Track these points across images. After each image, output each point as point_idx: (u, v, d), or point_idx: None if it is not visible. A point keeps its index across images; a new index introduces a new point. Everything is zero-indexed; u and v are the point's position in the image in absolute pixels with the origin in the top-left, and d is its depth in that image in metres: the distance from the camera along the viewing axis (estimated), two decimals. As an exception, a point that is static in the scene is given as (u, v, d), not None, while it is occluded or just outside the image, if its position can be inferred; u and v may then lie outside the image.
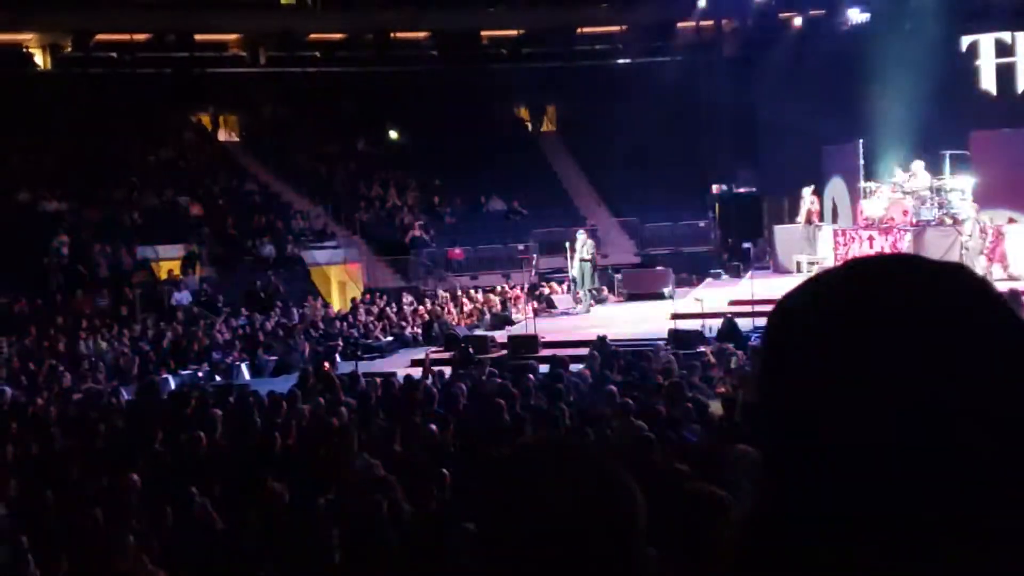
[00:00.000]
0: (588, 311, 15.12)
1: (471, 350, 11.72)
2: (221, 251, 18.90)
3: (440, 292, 18.31)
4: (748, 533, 0.68)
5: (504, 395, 7.44)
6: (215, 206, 20.34)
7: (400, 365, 12.28)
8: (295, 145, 22.98)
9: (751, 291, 12.18)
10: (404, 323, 16.28)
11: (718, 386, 8.27)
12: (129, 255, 18.00)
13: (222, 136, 24.43)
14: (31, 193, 19.31)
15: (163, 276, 17.86)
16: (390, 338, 15.19)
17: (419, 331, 15.57)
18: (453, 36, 25.78)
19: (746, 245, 19.01)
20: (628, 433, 5.95)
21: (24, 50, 24.32)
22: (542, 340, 12.24)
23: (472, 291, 18.05)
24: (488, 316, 16.10)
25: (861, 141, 15.74)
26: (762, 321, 11.15)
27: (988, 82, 16.64)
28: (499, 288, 18.10)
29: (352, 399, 8.22)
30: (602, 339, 10.90)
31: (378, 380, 9.20)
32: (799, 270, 15.31)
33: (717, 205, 20.61)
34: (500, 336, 13.16)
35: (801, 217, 15.81)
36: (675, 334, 11.35)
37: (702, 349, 10.36)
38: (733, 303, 12.97)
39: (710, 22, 21.91)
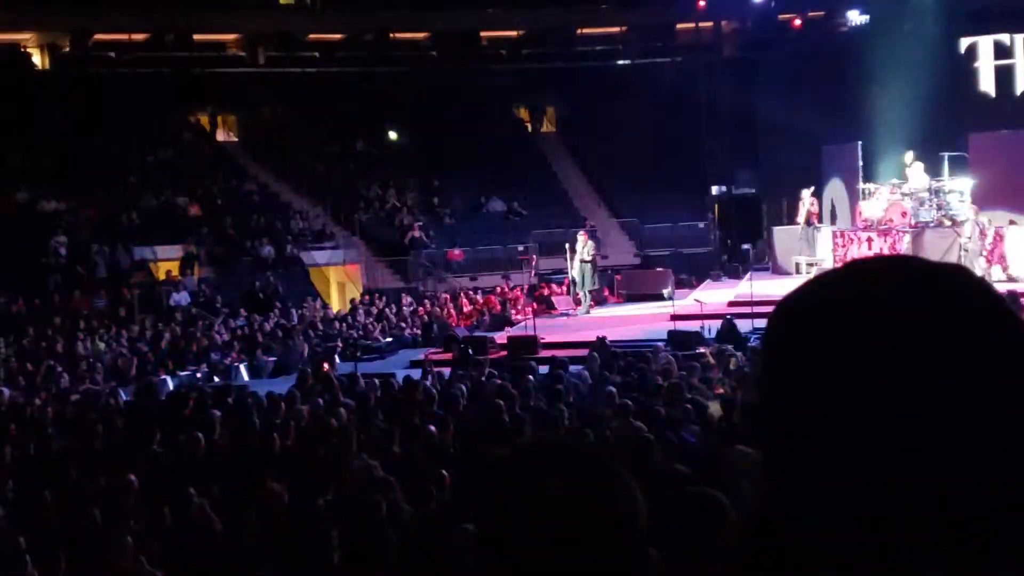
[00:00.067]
0: (588, 312, 15.13)
1: (470, 351, 11.72)
2: (220, 252, 18.89)
3: (439, 293, 18.31)
4: (748, 533, 0.68)
5: (503, 396, 7.44)
6: (214, 206, 20.33)
7: (399, 366, 12.28)
8: (294, 145, 22.98)
9: (750, 292, 12.19)
10: (403, 324, 16.28)
11: (717, 387, 8.27)
12: (127, 255, 17.99)
13: (221, 136, 24.42)
14: (29, 193, 19.30)
15: (161, 277, 17.85)
16: (389, 339, 15.19)
17: (418, 332, 15.57)
18: (453, 36, 25.79)
19: (745, 246, 19.03)
20: (627, 434, 5.95)
21: (22, 50, 24.32)
22: (541, 341, 12.24)
23: (471, 292, 18.06)
24: (487, 317, 16.11)
25: (860, 143, 15.76)
26: (761, 322, 11.19)
27: (987, 84, 16.66)
28: (498, 289, 18.10)
29: (351, 400, 8.22)
30: (601, 340, 10.91)
31: (377, 381, 9.20)
32: (798, 271, 15.32)
33: (716, 206, 20.62)
34: (500, 337, 13.16)
35: (801, 218, 15.82)
36: (674, 335, 11.36)
37: (701, 350, 10.37)
38: (732, 304, 12.98)
39: (710, 23, 21.91)
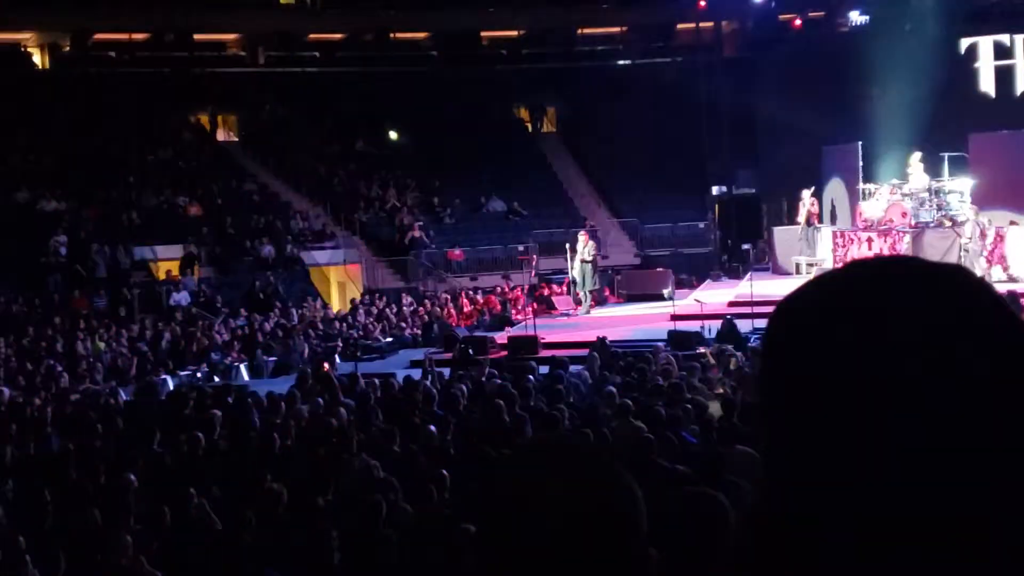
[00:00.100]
0: (588, 312, 15.13)
1: (471, 351, 11.72)
2: (220, 251, 18.89)
3: (440, 293, 18.31)
4: (748, 533, 0.68)
5: (504, 396, 7.44)
6: (214, 206, 20.33)
7: (399, 366, 12.28)
8: (294, 145, 22.97)
9: (750, 292, 12.19)
10: (403, 324, 16.28)
11: (717, 387, 8.27)
12: (127, 255, 17.99)
13: (221, 136, 24.41)
14: (29, 192, 19.30)
15: (161, 276, 17.85)
16: (389, 339, 15.19)
17: (418, 332, 15.57)
18: (453, 36, 25.79)
19: (745, 246, 19.03)
20: (627, 434, 5.95)
21: (22, 49, 24.32)
22: (542, 341, 12.25)
23: (471, 292, 18.06)
24: (487, 317, 16.11)
25: (860, 143, 15.76)
26: (762, 323, 11.19)
27: (987, 84, 16.67)
28: (498, 289, 18.10)
29: (351, 400, 8.22)
30: (602, 340, 10.91)
31: (377, 381, 9.20)
32: (798, 271, 15.32)
33: (717, 206, 20.62)
34: (500, 337, 13.16)
35: (801, 219, 15.83)
36: (674, 335, 11.36)
37: (701, 350, 10.37)
38: (732, 304, 12.98)
39: (710, 23, 21.91)
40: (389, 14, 24.96)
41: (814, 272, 14.79)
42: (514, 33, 26.93)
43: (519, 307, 16.54)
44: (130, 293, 16.85)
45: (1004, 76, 16.52)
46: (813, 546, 0.62)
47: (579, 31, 26.86)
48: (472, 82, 24.30)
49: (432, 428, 6.67)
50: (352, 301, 17.96)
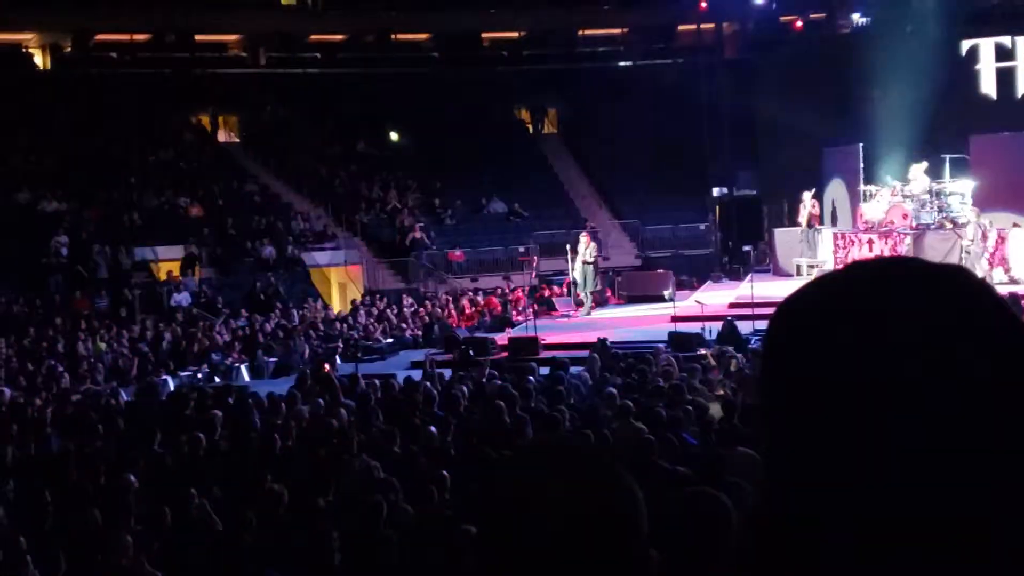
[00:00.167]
0: (588, 313, 15.13)
1: (471, 352, 11.72)
2: (221, 252, 18.90)
3: (440, 294, 18.31)
4: (749, 534, 0.68)
5: (504, 397, 7.44)
6: (215, 207, 20.34)
7: (400, 367, 12.27)
8: (295, 146, 22.98)
9: (751, 294, 12.19)
10: (404, 325, 16.28)
11: (718, 389, 8.26)
12: (128, 256, 17.99)
13: (222, 137, 24.43)
14: (31, 193, 19.32)
15: (162, 277, 17.86)
16: (390, 340, 15.18)
17: (419, 333, 15.56)
18: (454, 37, 25.81)
19: (746, 248, 19.03)
20: (628, 435, 5.95)
21: (24, 50, 24.34)
22: (542, 342, 12.24)
23: (471, 292, 18.06)
24: (488, 318, 16.10)
25: (861, 144, 15.75)
26: (762, 324, 11.14)
27: (988, 86, 16.66)
28: (499, 290, 18.10)
29: (352, 401, 8.22)
30: (602, 341, 10.91)
31: (377, 382, 9.19)
32: (799, 273, 15.32)
33: (717, 207, 20.62)
34: (500, 338, 13.16)
35: (802, 220, 15.83)
36: (675, 337, 11.35)
37: (702, 352, 10.36)
38: (733, 306, 12.97)
39: (711, 24, 21.91)
40: (390, 15, 24.97)
41: (815, 273, 14.83)
42: (515, 34, 26.94)
43: (520, 308, 16.53)
44: (131, 294, 16.86)
45: (1005, 78, 16.51)
46: (814, 547, 0.62)
47: (580, 32, 26.88)
48: (473, 83, 24.30)
49: (432, 429, 6.67)
50: (353, 302, 17.96)
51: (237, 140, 24.30)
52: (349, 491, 5.49)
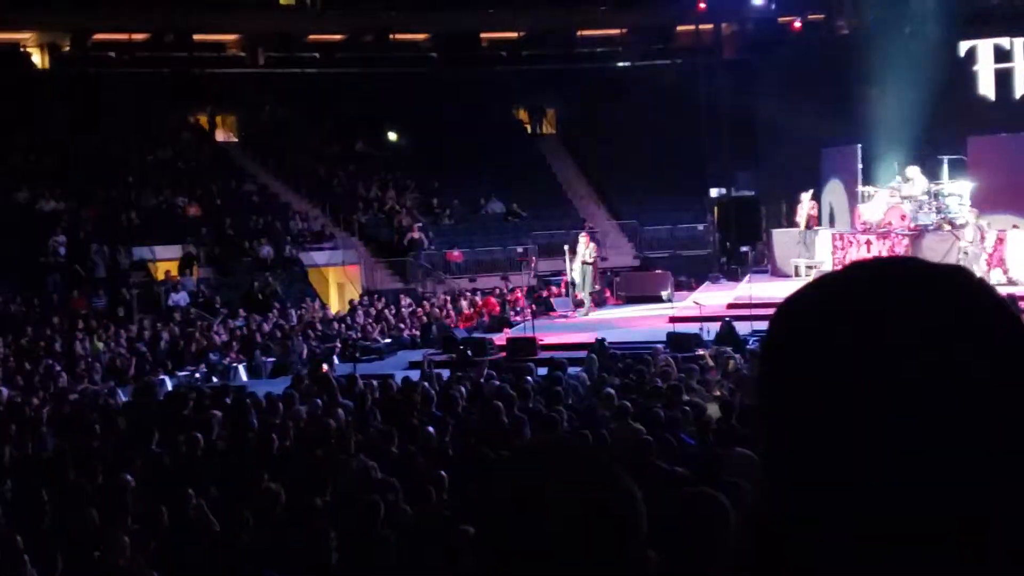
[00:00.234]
0: (587, 314, 15.13)
1: (469, 352, 11.72)
2: (219, 252, 18.88)
3: (439, 294, 18.30)
4: (748, 534, 0.67)
5: (502, 397, 7.44)
6: (213, 207, 20.32)
7: (398, 367, 12.27)
8: (294, 146, 22.97)
9: (749, 294, 12.19)
10: (402, 325, 16.27)
11: (716, 389, 8.27)
12: (126, 255, 17.97)
13: (220, 136, 24.41)
14: (29, 192, 19.29)
15: (160, 277, 17.84)
16: (388, 340, 15.18)
17: (417, 333, 15.56)
18: (453, 37, 25.80)
19: (744, 248, 19.04)
20: (626, 436, 5.95)
21: (22, 49, 24.30)
22: (540, 343, 12.24)
23: (468, 293, 18.06)
24: (486, 318, 16.10)
25: (859, 145, 15.77)
26: (760, 325, 11.20)
27: (986, 87, 16.68)
28: (497, 290, 18.10)
29: (350, 401, 8.21)
30: (600, 342, 10.91)
31: (375, 382, 9.19)
32: (797, 274, 15.34)
33: (716, 208, 20.63)
34: (499, 338, 13.16)
35: (800, 221, 15.85)
36: (673, 337, 11.36)
37: (700, 352, 10.37)
38: (731, 306, 12.98)
39: (710, 25, 21.93)
40: (389, 15, 24.96)
41: (813, 274, 14.84)
42: (514, 34, 26.94)
43: (517, 309, 16.53)
44: (129, 293, 16.84)
45: (1003, 79, 16.53)
46: (812, 547, 0.62)
47: (579, 33, 26.88)
48: (472, 83, 24.30)
49: (430, 429, 6.67)
50: (351, 302, 17.95)
51: (235, 140, 24.28)
52: (346, 491, 5.49)
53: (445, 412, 7.60)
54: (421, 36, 26.61)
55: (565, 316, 15.40)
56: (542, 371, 9.75)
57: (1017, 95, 16.50)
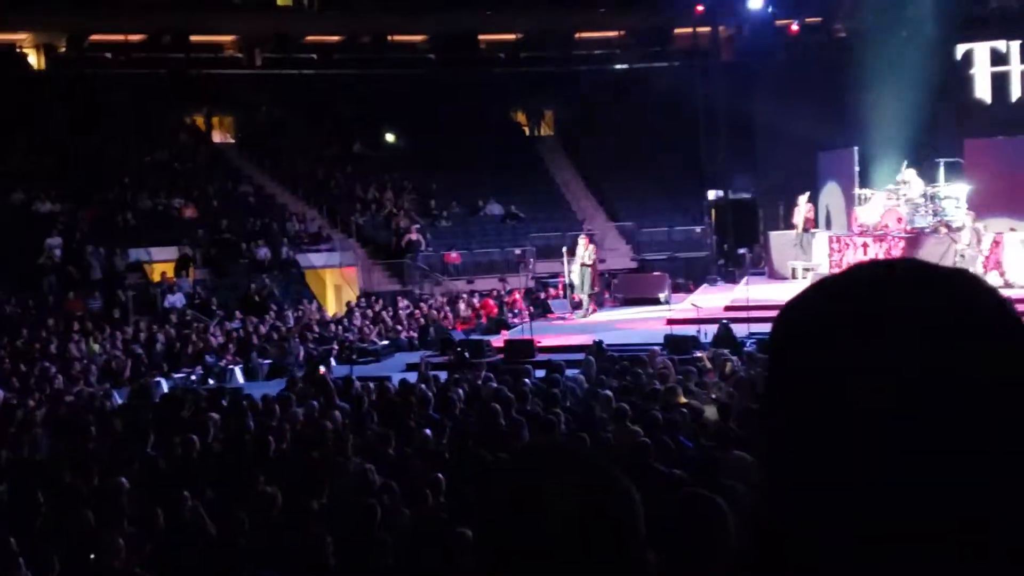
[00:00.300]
0: (585, 316, 15.14)
1: (467, 354, 11.71)
2: (215, 253, 18.85)
3: (436, 296, 18.30)
4: (748, 535, 0.67)
5: (500, 399, 7.43)
6: (209, 208, 20.30)
7: (395, 369, 12.25)
8: (291, 147, 22.96)
9: (747, 297, 12.21)
10: (399, 327, 16.26)
11: (713, 391, 8.27)
12: (122, 257, 17.94)
13: (217, 138, 24.39)
14: (25, 194, 19.26)
15: (156, 278, 17.80)
16: (385, 342, 15.16)
17: (415, 335, 15.55)
18: (451, 39, 25.82)
19: (742, 251, 19.07)
20: (624, 438, 5.94)
21: (18, 50, 24.27)
22: (538, 345, 12.24)
23: (467, 295, 18.06)
24: (484, 320, 16.10)
25: (856, 148, 15.81)
26: (758, 327, 11.22)
27: (983, 90, 16.74)
28: (495, 292, 18.11)
29: (346, 403, 8.20)
30: (598, 344, 10.92)
31: (372, 384, 9.18)
32: (794, 276, 15.38)
33: (713, 210, 20.67)
34: (496, 340, 13.16)
35: (798, 224, 15.88)
36: (671, 339, 11.37)
37: (698, 354, 10.37)
38: (729, 309, 12.99)
39: (707, 28, 21.97)
40: (387, 16, 24.98)
41: (810, 277, 14.88)
42: (512, 36, 26.97)
43: (515, 311, 16.53)
44: (125, 295, 16.80)
45: (1000, 82, 16.61)
46: (812, 547, 0.62)
47: (577, 35, 26.92)
48: (470, 85, 24.32)
49: (428, 432, 6.66)
50: (348, 304, 17.93)
51: (232, 141, 24.26)
52: (343, 494, 5.47)
53: (442, 414, 7.59)
54: (419, 37, 26.62)
55: (563, 318, 15.41)
56: (540, 373, 9.75)
57: (1013, 98, 16.57)
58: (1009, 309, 0.63)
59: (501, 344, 12.71)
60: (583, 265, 15.07)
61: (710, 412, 6.99)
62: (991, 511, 0.59)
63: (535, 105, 26.06)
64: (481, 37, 26.76)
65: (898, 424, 0.59)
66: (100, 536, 4.73)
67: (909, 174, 14.26)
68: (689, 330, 11.93)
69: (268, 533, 4.83)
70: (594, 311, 15.40)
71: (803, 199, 15.97)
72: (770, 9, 20.39)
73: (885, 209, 14.19)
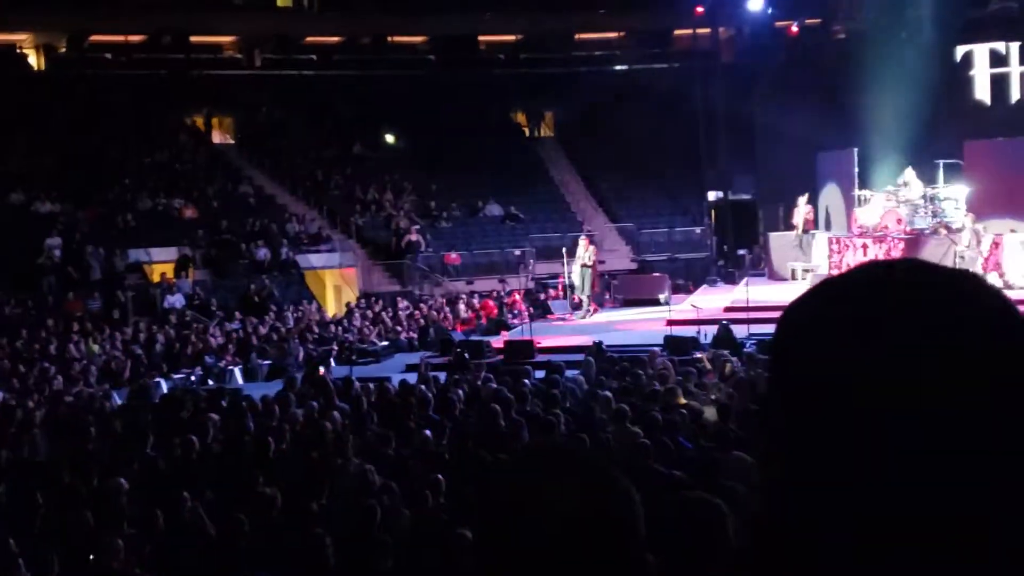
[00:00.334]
0: (584, 317, 15.14)
1: (467, 355, 11.71)
2: (215, 254, 18.85)
3: (436, 297, 18.30)
4: (749, 536, 0.67)
5: (500, 400, 7.43)
6: (209, 209, 20.30)
7: (395, 370, 12.25)
8: (291, 148, 22.96)
9: (746, 298, 12.21)
10: (399, 328, 16.26)
11: (713, 392, 8.27)
12: (122, 257, 17.94)
13: (217, 138, 24.39)
14: (24, 194, 19.26)
15: (156, 279, 17.80)
16: (385, 343, 15.16)
17: (414, 336, 15.55)
18: (451, 40, 25.83)
19: (742, 252, 19.07)
20: (623, 439, 5.94)
21: (18, 51, 24.27)
22: (538, 346, 12.24)
23: (466, 296, 18.06)
24: (484, 321, 16.11)
25: (856, 149, 15.82)
26: (757, 328, 11.22)
27: (982, 92, 16.75)
28: (495, 293, 18.11)
29: (346, 404, 8.20)
30: (598, 345, 10.92)
31: (372, 385, 9.17)
32: (794, 277, 15.38)
33: (713, 211, 20.67)
34: (496, 341, 13.15)
35: (798, 225, 15.89)
36: (670, 340, 11.36)
37: (697, 355, 10.37)
38: (728, 310, 12.99)
39: (707, 29, 21.99)
40: (387, 17, 24.99)
41: (810, 278, 14.90)
42: (512, 37, 26.98)
43: (515, 311, 16.54)
44: (124, 296, 16.80)
45: (999, 84, 16.61)
46: (812, 548, 0.62)
47: (577, 36, 26.94)
48: (470, 86, 24.33)
49: (427, 432, 6.66)
50: (348, 305, 17.93)
51: (232, 141, 24.26)
52: (343, 495, 5.47)
53: (442, 415, 7.59)
54: (419, 39, 26.63)
55: (563, 319, 15.41)
56: (540, 374, 9.74)
57: (1013, 100, 16.57)
58: (1012, 310, 0.63)
59: (501, 345, 12.71)
60: (584, 266, 15.07)
61: (710, 413, 6.99)
62: (991, 511, 0.59)
63: (535, 106, 26.07)
64: (481, 38, 26.77)
65: (898, 424, 0.59)
66: (99, 537, 4.72)
67: (909, 175, 14.27)
68: (689, 331, 11.92)
69: (268, 534, 4.82)
70: (596, 312, 15.40)
71: (803, 200, 15.98)
72: (770, 10, 20.41)
73: (885, 210, 14.19)
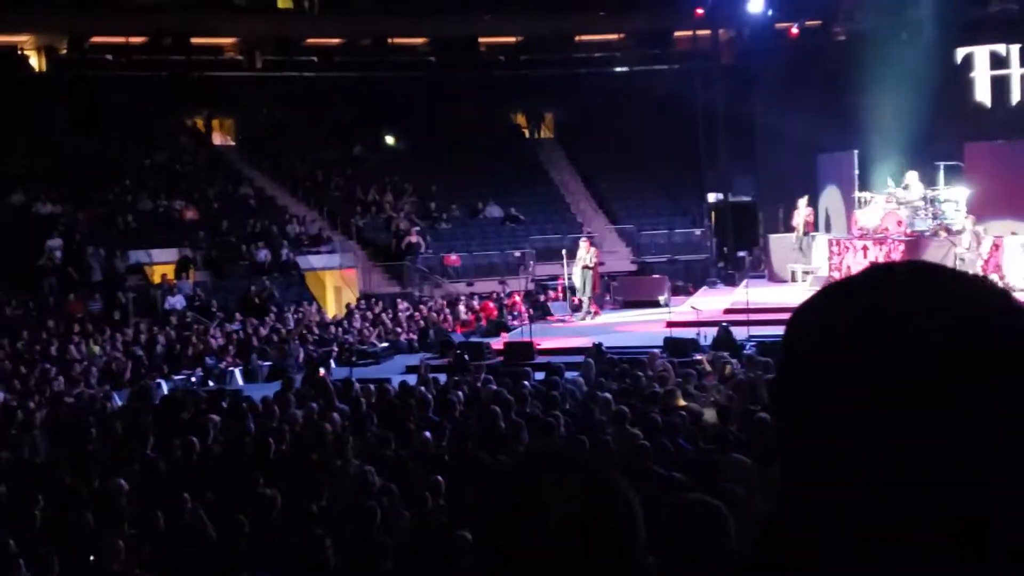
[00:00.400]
0: (584, 319, 15.14)
1: (467, 357, 11.70)
2: (215, 255, 18.85)
3: (436, 298, 18.30)
4: (751, 537, 0.67)
5: (499, 402, 7.43)
6: (210, 210, 20.30)
7: (395, 371, 12.25)
8: (291, 149, 22.97)
9: (746, 300, 12.21)
10: (399, 329, 16.26)
11: (713, 394, 8.27)
12: (123, 259, 17.94)
13: (217, 140, 24.39)
14: (25, 195, 19.26)
15: (156, 280, 17.80)
16: (385, 344, 15.16)
17: (414, 337, 15.54)
18: (451, 42, 25.84)
19: (741, 254, 19.07)
20: (623, 441, 5.94)
21: (19, 52, 24.29)
22: (537, 347, 12.23)
23: (466, 297, 18.06)
24: (484, 322, 16.10)
25: (856, 151, 15.82)
26: (757, 330, 11.21)
27: (983, 94, 16.74)
28: (495, 295, 18.11)
29: (346, 405, 8.19)
30: (597, 346, 10.92)
31: (372, 386, 9.17)
32: (794, 279, 15.38)
33: (713, 213, 20.67)
34: (496, 343, 13.15)
35: (798, 227, 15.88)
36: (670, 342, 11.36)
37: (697, 357, 10.37)
38: (728, 311, 12.99)
39: (707, 31, 21.99)
40: (387, 19, 25.00)
41: (810, 280, 14.90)
42: (512, 39, 26.99)
43: (515, 313, 16.53)
44: (125, 297, 16.80)
45: (1000, 86, 16.59)
46: (813, 548, 0.62)
47: (577, 38, 26.94)
48: (470, 88, 24.33)
49: (427, 434, 6.66)
50: (348, 306, 17.93)
51: (232, 143, 24.27)
52: (343, 496, 5.47)
53: (442, 417, 7.59)
54: (419, 40, 26.64)
55: (563, 320, 15.40)
56: (539, 375, 9.74)
57: (1013, 102, 16.56)
58: (1014, 311, 0.63)
59: (501, 346, 12.71)
60: (584, 267, 15.07)
61: (709, 415, 6.99)
62: (991, 511, 0.59)
63: (535, 108, 26.07)
64: (481, 40, 26.77)
65: (899, 424, 0.59)
66: (100, 538, 4.72)
67: (910, 177, 14.27)
68: (689, 333, 11.92)
69: (268, 535, 4.82)
70: (597, 313, 15.39)
71: (803, 202, 15.97)
72: (770, 12, 20.40)
73: (885, 212, 14.19)
